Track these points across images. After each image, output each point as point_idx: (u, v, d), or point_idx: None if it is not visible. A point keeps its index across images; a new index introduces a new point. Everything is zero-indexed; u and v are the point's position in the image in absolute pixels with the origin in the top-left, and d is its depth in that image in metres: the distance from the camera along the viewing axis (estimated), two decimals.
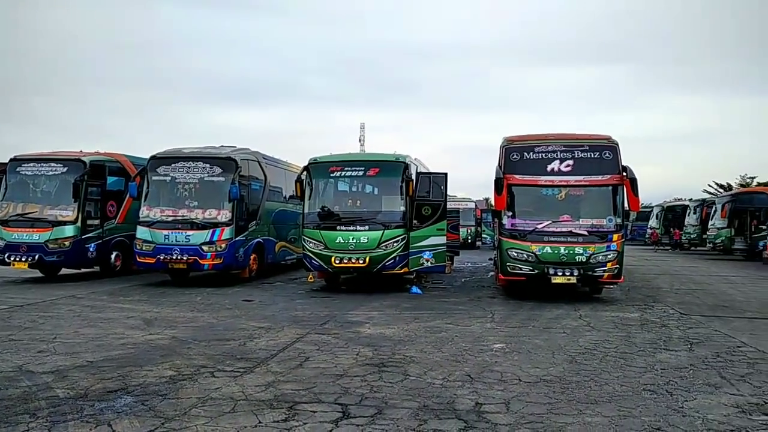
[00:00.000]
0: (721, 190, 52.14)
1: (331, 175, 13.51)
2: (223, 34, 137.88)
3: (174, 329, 8.49)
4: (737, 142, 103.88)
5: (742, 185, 52.54)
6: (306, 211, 13.24)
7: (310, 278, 13.95)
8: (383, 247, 12.46)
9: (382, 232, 12.52)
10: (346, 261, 12.51)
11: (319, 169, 13.36)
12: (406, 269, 12.84)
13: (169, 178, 14.14)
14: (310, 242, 12.83)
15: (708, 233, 29.67)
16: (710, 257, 28.56)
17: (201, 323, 9.04)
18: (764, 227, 24.54)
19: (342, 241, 12.51)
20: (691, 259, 26.86)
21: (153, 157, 14.38)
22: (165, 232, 13.68)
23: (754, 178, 54.93)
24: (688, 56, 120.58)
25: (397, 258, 12.59)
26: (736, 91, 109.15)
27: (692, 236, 32.70)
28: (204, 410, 4.82)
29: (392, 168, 13.13)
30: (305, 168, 13.36)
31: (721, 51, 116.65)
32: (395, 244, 12.53)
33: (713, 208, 29.58)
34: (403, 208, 12.83)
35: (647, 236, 40.72)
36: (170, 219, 13.89)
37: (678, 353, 7.04)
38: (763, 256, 23.93)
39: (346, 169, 13.44)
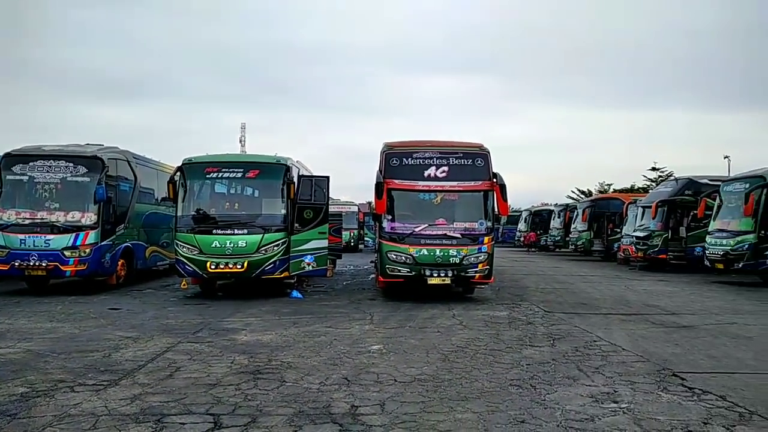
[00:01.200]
0: (583, 196, 56.45)
1: (208, 176, 13.02)
2: (95, 26, 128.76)
3: (29, 342, 7.79)
4: (597, 152, 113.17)
5: (600, 192, 57.21)
6: (179, 214, 12.67)
7: (184, 285, 13.36)
8: (263, 251, 12.21)
9: (261, 235, 12.27)
10: (222, 266, 12.12)
11: (194, 169, 12.84)
12: (286, 273, 12.68)
13: (27, 177, 12.98)
14: (184, 247, 12.28)
15: (570, 236, 32.11)
16: (572, 258, 30.83)
17: (61, 334, 8.36)
18: (619, 230, 26.84)
19: (218, 245, 12.10)
20: (555, 260, 28.81)
21: (7, 155, 13.12)
22: (21, 236, 12.54)
23: (611, 185, 60.07)
24: (555, 70, 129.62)
25: (278, 262, 12.39)
26: (596, 105, 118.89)
27: (556, 239, 35.19)
28: (60, 429, 4.46)
29: (273, 170, 12.91)
30: (179, 168, 12.79)
31: (582, 66, 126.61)
32: (275, 248, 12.33)
33: (575, 213, 32.07)
34: (283, 212, 12.66)
35: (518, 238, 43.20)
36: (27, 222, 12.75)
37: (542, 349, 7.51)
38: (618, 257, 26.20)
39: (223, 170, 13.03)
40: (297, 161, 14.17)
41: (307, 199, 12.91)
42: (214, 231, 12.28)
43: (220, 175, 13.05)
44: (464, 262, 11.76)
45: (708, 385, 5.78)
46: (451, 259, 11.74)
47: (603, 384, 5.78)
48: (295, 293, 12.76)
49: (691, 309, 11.43)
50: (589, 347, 7.58)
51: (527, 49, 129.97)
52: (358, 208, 36.89)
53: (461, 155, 12.21)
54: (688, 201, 21.51)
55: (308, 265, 12.88)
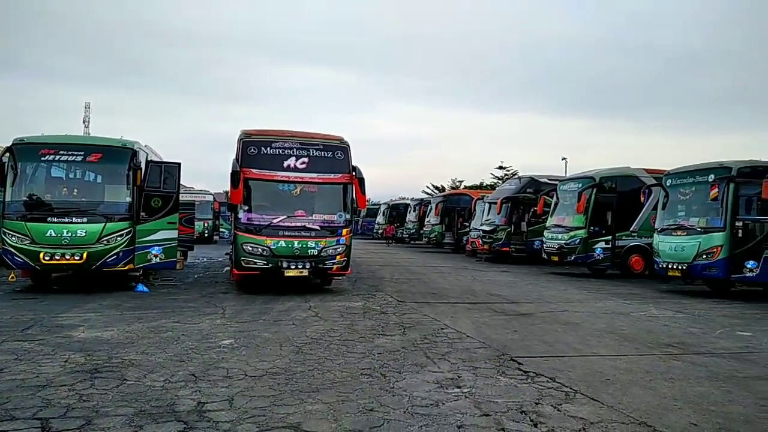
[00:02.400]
0: (437, 191, 59.12)
1: (43, 158, 11.79)
2: None
3: None
4: (452, 149, 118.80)
5: (452, 187, 60.23)
6: (8, 199, 11.37)
7: (12, 277, 12.05)
8: (104, 242, 11.34)
9: (103, 225, 11.39)
10: (58, 257, 11.08)
11: (26, 151, 11.59)
12: (131, 266, 11.88)
13: None
14: (13, 236, 11.05)
15: (424, 229, 33.47)
16: (425, 250, 32.13)
17: None
18: (468, 224, 28.40)
19: (54, 234, 11.04)
20: (410, 252, 29.83)
21: None
22: None
23: (462, 181, 63.52)
24: (415, 68, 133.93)
25: (121, 254, 11.58)
26: (452, 104, 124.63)
27: (411, 231, 36.50)
28: None
29: (117, 154, 12.00)
30: (8, 149, 11.48)
31: (441, 67, 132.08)
32: (119, 238, 11.51)
33: (429, 207, 33.46)
34: (129, 199, 11.84)
35: (376, 231, 44.19)
36: None
37: (393, 338, 7.73)
38: (467, 249, 27.73)
39: (61, 152, 11.86)
40: (146, 146, 13.32)
41: (155, 187, 12.18)
42: (49, 219, 11.18)
43: (57, 158, 11.86)
44: (322, 254, 11.79)
45: (541, 368, 6.28)
46: (309, 251, 11.70)
47: (448, 370, 6.07)
48: (141, 287, 12.02)
49: (529, 298, 12.38)
50: (436, 335, 7.93)
51: (392, 47, 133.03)
52: (214, 198, 35.56)
53: (321, 147, 12.20)
54: (529, 198, 23.28)
55: (155, 257, 12.17)
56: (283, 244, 11.58)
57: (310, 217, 11.95)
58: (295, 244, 11.60)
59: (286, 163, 11.88)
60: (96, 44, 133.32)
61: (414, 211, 37.08)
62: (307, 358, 6.48)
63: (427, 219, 33.55)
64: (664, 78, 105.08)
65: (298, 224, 11.79)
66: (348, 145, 12.34)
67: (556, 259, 19.03)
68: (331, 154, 12.17)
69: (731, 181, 13.21)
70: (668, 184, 15.14)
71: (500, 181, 50.51)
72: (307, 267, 11.69)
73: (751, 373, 6.36)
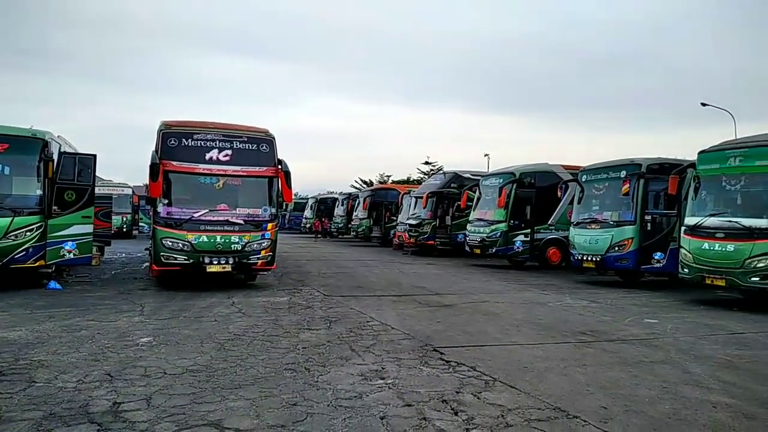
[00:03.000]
0: (365, 186, 59.27)
1: None
2: None
3: None
4: (380, 144, 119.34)
5: (380, 182, 60.56)
6: None
7: None
8: (12, 237, 10.69)
9: (11, 219, 10.73)
10: None
11: None
12: (42, 262, 11.24)
13: None
14: None
15: (352, 223, 33.53)
16: (353, 244, 32.20)
17: None
18: (395, 218, 28.66)
19: None
20: (338, 246, 29.81)
21: None
22: None
23: (390, 176, 64.00)
24: (345, 62, 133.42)
25: (31, 249, 10.95)
26: (380, 99, 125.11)
27: (339, 225, 36.47)
28: None
29: (27, 145, 11.29)
30: None
31: (371, 61, 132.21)
32: (28, 233, 10.88)
33: (357, 201, 33.52)
34: (39, 192, 11.20)
35: (304, 225, 43.83)
36: None
37: (318, 332, 7.72)
38: (394, 243, 27.99)
39: None
40: (58, 136, 12.62)
41: (68, 179, 11.58)
42: None
43: None
44: (246, 249, 11.58)
45: (462, 357, 6.45)
46: (232, 245, 11.47)
47: (372, 362, 6.13)
48: (53, 284, 11.42)
49: (453, 289, 12.66)
50: (362, 328, 7.98)
51: (320, 40, 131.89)
52: (133, 191, 34.18)
53: (246, 140, 11.95)
54: (453, 193, 23.75)
55: (69, 252, 11.58)
56: (205, 239, 11.29)
57: (233, 211, 11.70)
58: (218, 239, 11.35)
59: (208, 156, 11.57)
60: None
61: (342, 205, 37.04)
62: (229, 355, 6.37)
63: (355, 213, 33.61)
64: (579, 78, 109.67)
65: (221, 218, 11.53)
66: (273, 138, 12.16)
67: (478, 251, 19.54)
68: (255, 147, 11.95)
69: (641, 177, 14.00)
70: (583, 180, 15.84)
71: (426, 176, 51.30)
72: (231, 262, 11.46)
73: (656, 358, 6.77)
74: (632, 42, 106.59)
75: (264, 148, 11.99)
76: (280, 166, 11.93)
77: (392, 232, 28.98)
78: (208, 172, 11.61)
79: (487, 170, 28.42)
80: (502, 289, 13.10)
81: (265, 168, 11.92)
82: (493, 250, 18.86)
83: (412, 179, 58.92)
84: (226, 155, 11.69)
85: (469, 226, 20.43)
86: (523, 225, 18.63)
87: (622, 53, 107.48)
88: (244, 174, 11.84)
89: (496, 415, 4.57)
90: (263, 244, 11.74)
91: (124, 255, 20.00)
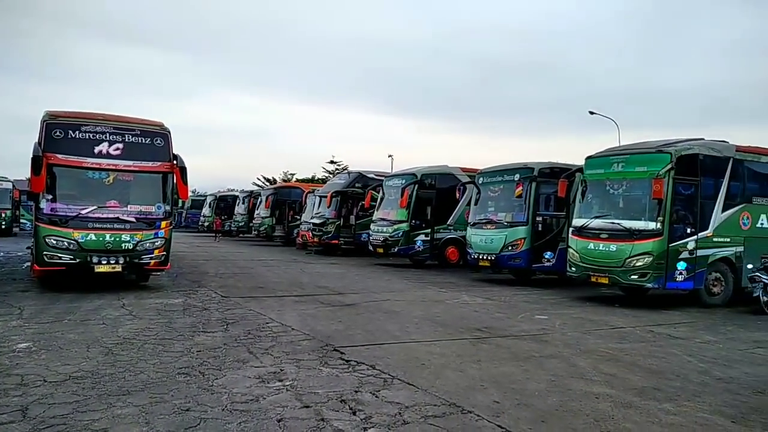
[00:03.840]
0: (268, 184, 58.25)
1: None
2: None
3: None
4: (284, 142, 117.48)
5: (284, 180, 59.73)
6: None
7: None
8: None
9: None
10: None
11: None
12: None
13: None
14: None
15: (254, 221, 32.79)
16: (255, 243, 31.54)
17: None
18: (299, 217, 28.35)
19: None
20: (238, 246, 29.07)
21: None
22: None
23: (294, 174, 63.24)
24: (249, 57, 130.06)
25: None
26: (285, 96, 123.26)
27: (240, 224, 35.56)
28: None
29: None
30: None
31: (276, 57, 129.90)
32: None
33: (259, 199, 32.82)
34: None
35: (202, 223, 42.34)
36: None
37: (215, 334, 7.47)
38: (297, 242, 27.70)
39: None
40: None
41: None
42: None
43: None
44: (138, 248, 11.03)
45: (362, 356, 6.47)
46: (123, 244, 10.88)
47: (271, 364, 6.01)
48: None
49: (355, 289, 12.70)
50: (261, 329, 7.82)
51: (222, 31, 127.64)
52: (13, 185, 31.57)
53: (139, 133, 11.35)
54: (357, 192, 23.85)
55: None
56: (93, 238, 10.64)
57: (124, 208, 11.09)
58: (107, 238, 10.72)
59: (97, 149, 10.89)
60: None
61: (243, 203, 36.10)
62: (117, 360, 6.03)
63: (257, 212, 32.86)
64: (479, 83, 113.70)
65: (111, 216, 10.89)
66: (169, 132, 11.63)
67: (381, 250, 19.75)
68: (149, 141, 11.38)
69: (533, 180, 14.70)
70: (480, 182, 16.42)
71: (332, 175, 51.15)
72: (121, 262, 10.87)
73: (545, 353, 7.13)
74: (527, 51, 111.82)
75: (158, 142, 11.45)
76: (175, 161, 11.44)
77: (295, 231, 28.65)
78: (97, 166, 10.93)
79: (391, 171, 28.79)
80: (403, 288, 13.30)
81: (159, 163, 11.38)
82: (396, 250, 19.12)
83: (316, 178, 58.48)
84: (117, 149, 11.06)
85: (372, 226, 20.59)
86: (423, 225, 19.02)
87: (517, 62, 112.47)
88: (137, 169, 11.25)
89: (393, 413, 4.62)
90: (156, 243, 11.21)
91: (2, 254, 18.45)
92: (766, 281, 11.05)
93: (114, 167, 11.02)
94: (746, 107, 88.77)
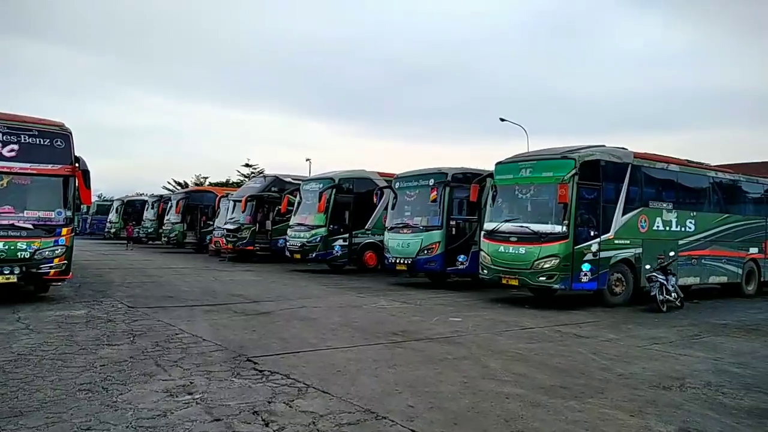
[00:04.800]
0: (179, 187, 56.27)
1: None
2: None
3: None
4: (197, 144, 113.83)
5: (196, 184, 57.94)
6: None
7: None
8: None
9: None
10: None
11: None
12: None
13: None
14: None
15: (164, 227, 31.51)
16: (165, 250, 30.35)
17: None
18: (212, 223, 27.57)
19: None
20: (147, 253, 27.90)
21: None
22: None
23: (207, 178, 61.47)
24: (157, 56, 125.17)
25: None
26: (194, 97, 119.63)
27: (149, 230, 34.11)
28: None
29: None
30: None
31: (186, 57, 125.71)
32: None
33: (169, 204, 31.58)
34: None
35: (108, 229, 40.29)
36: None
37: (120, 347, 7.11)
38: (210, 249, 26.91)
39: None
40: None
41: None
42: None
43: None
44: (36, 257, 10.33)
45: (277, 366, 6.35)
46: (19, 253, 10.16)
47: (180, 377, 5.78)
48: None
49: (270, 296, 12.49)
50: (170, 341, 7.51)
51: (130, 29, 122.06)
52: None
53: (36, 133, 10.64)
54: (274, 197, 23.48)
55: None
56: None
57: (20, 214, 10.35)
58: (0, 246, 9.98)
59: None
60: None
61: (152, 208, 34.66)
62: (10, 378, 5.60)
63: (167, 217, 31.61)
64: (394, 89, 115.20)
65: (5, 222, 10.14)
66: (70, 133, 10.97)
67: (298, 256, 19.54)
68: (48, 142, 10.70)
69: (447, 185, 15.02)
70: (396, 187, 16.61)
71: (247, 179, 50.07)
72: (17, 272, 10.13)
73: (458, 355, 7.27)
74: (441, 58, 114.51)
75: (58, 143, 10.78)
76: (77, 164, 10.81)
77: (208, 237, 27.84)
78: None
79: (309, 175, 28.55)
80: (320, 294, 13.20)
81: (59, 166, 10.72)
82: (313, 255, 18.97)
83: (231, 182, 57.08)
84: (12, 150, 10.32)
85: (289, 231, 20.34)
86: (341, 230, 19.01)
87: (432, 68, 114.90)
88: (34, 172, 10.54)
89: (307, 423, 4.55)
90: (56, 251, 10.54)
91: None
92: (662, 281, 11.83)
93: (8, 170, 10.28)
94: (647, 115, 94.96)
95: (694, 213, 14.07)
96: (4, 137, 10.30)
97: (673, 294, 12.03)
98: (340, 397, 5.27)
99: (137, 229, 35.56)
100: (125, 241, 34.59)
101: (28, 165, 10.45)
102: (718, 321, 10.97)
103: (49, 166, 10.65)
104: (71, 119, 11.21)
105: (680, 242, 13.44)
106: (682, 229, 13.64)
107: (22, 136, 10.47)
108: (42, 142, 10.66)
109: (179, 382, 5.59)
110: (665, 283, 11.88)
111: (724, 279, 14.88)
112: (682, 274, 13.24)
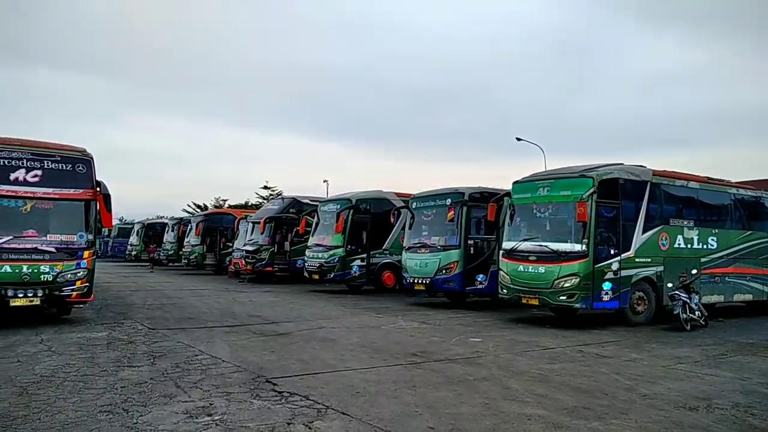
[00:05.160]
0: (198, 210, 56.83)
1: None
2: None
3: None
4: (215, 168, 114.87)
5: (216, 206, 58.48)
6: None
7: None
8: None
9: None
10: None
11: None
12: None
13: None
14: None
15: (184, 250, 31.77)
16: (185, 272, 30.56)
17: None
18: (231, 244, 27.74)
19: None
20: (168, 275, 28.10)
21: None
22: None
23: (227, 200, 62.04)
24: (174, 80, 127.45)
25: None
26: (214, 121, 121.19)
27: (170, 253, 34.40)
28: None
29: None
30: None
31: (202, 81, 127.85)
32: None
33: (189, 226, 31.87)
34: None
35: (130, 252, 40.70)
36: None
37: (140, 369, 7.14)
38: (229, 271, 27.05)
39: None
40: None
41: None
42: None
43: None
44: (59, 280, 10.46)
45: (296, 387, 6.33)
46: (42, 276, 10.30)
47: (200, 398, 5.79)
48: None
49: (289, 317, 12.49)
50: (190, 362, 7.53)
51: (149, 55, 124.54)
52: None
53: (59, 159, 10.86)
54: (292, 218, 23.59)
55: None
56: (9, 269, 10.01)
57: (43, 238, 10.53)
58: (24, 269, 10.12)
59: (13, 176, 10.33)
60: None
61: (172, 230, 34.96)
62: (33, 400, 5.65)
63: (186, 239, 31.88)
64: (411, 111, 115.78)
65: (29, 246, 10.30)
66: (91, 158, 11.17)
67: (317, 277, 19.55)
68: (70, 167, 10.90)
69: (464, 204, 14.99)
70: (413, 207, 16.61)
71: (265, 201, 50.42)
72: (40, 295, 10.27)
73: (479, 376, 7.19)
74: (457, 80, 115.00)
75: (80, 168, 10.98)
76: (98, 188, 10.99)
77: (228, 259, 27.99)
78: (12, 194, 10.34)
79: (326, 196, 28.68)
80: (338, 314, 13.18)
81: (81, 190, 10.90)
82: (332, 276, 18.97)
83: (250, 204, 57.53)
84: (36, 176, 10.53)
85: (307, 252, 20.38)
86: (359, 250, 19.00)
87: (448, 91, 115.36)
88: (57, 197, 10.73)
89: None
90: (78, 274, 10.67)
91: None
92: (684, 299, 11.63)
93: (32, 195, 10.48)
94: (665, 133, 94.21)
95: (716, 230, 13.85)
96: (28, 163, 10.52)
97: (696, 312, 11.80)
98: (359, 418, 5.23)
99: (158, 252, 35.90)
100: (148, 263, 34.98)
101: (51, 190, 10.64)
102: (744, 340, 10.74)
103: (71, 191, 10.84)
104: (92, 144, 11.38)
105: (702, 260, 13.22)
106: (704, 246, 13.43)
107: (46, 162, 10.68)
108: (64, 168, 10.86)
109: (199, 404, 5.59)
110: (688, 301, 11.68)
111: (749, 297, 14.58)
112: (705, 292, 13.00)
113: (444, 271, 14.94)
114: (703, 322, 11.89)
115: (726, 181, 15.29)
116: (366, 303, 15.85)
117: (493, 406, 5.77)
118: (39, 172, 10.55)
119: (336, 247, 18.92)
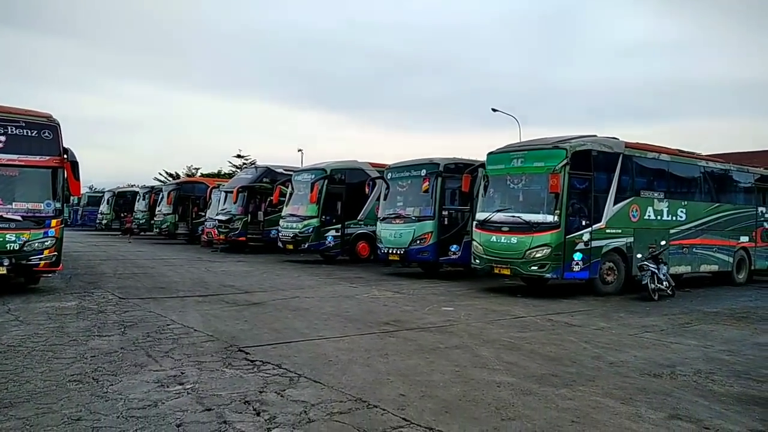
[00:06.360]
0: (170, 179, 55.96)
1: None
2: None
3: None
4: (187, 135, 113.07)
5: (188, 175, 57.63)
6: None
7: None
8: None
9: None
10: None
11: None
12: None
13: None
14: None
15: (156, 219, 31.37)
16: (157, 242, 30.20)
17: None
18: (203, 214, 27.44)
19: None
20: (139, 244, 27.74)
21: None
22: None
23: (199, 169, 61.15)
24: (143, 45, 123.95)
25: None
26: (185, 86, 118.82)
27: (141, 222, 33.94)
28: None
29: None
30: None
31: (173, 46, 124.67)
32: None
33: (160, 195, 31.42)
34: None
35: (100, 221, 40.06)
36: None
37: (111, 338, 7.07)
38: (202, 240, 26.81)
39: None
40: None
41: None
42: None
43: None
44: (26, 249, 10.26)
45: (268, 356, 6.34)
46: (8, 245, 10.08)
47: (171, 367, 5.76)
48: None
49: (263, 287, 12.46)
50: (161, 331, 7.49)
51: (118, 19, 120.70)
52: None
53: (24, 125, 10.53)
54: (265, 188, 23.38)
55: None
56: None
57: (9, 206, 10.28)
58: None
59: None
60: None
61: (144, 199, 34.44)
62: (0, 370, 5.56)
63: (158, 208, 31.45)
64: (384, 79, 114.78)
65: None
66: (58, 124, 10.86)
67: (291, 247, 19.50)
68: (36, 134, 10.59)
69: (439, 175, 15.01)
70: (388, 177, 16.58)
71: (239, 170, 49.81)
72: (6, 264, 10.06)
73: (450, 344, 7.28)
74: (432, 49, 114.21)
75: (46, 134, 10.67)
76: (65, 156, 10.72)
77: (200, 228, 27.74)
78: None
79: (301, 165, 28.45)
80: (312, 284, 13.19)
81: (47, 157, 10.62)
82: (306, 246, 18.93)
83: (223, 173, 56.78)
84: (0, 142, 10.23)
85: (281, 222, 20.28)
86: (334, 220, 18.97)
87: (423, 59, 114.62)
88: (22, 164, 10.44)
89: (298, 412, 4.55)
90: (46, 243, 10.47)
91: None
92: (653, 269, 11.88)
93: None
94: (639, 105, 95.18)
95: (685, 202, 14.12)
96: None
97: (664, 283, 12.08)
98: (331, 386, 5.27)
99: (134, 221, 35.21)
100: (123, 233, 34.33)
101: (15, 156, 10.35)
102: (709, 309, 11.04)
103: (37, 158, 10.56)
104: (60, 111, 11.07)
105: (671, 231, 13.50)
106: (674, 218, 13.70)
107: (9, 127, 10.36)
108: (29, 134, 10.55)
109: (170, 373, 5.57)
110: (656, 272, 11.94)
111: (715, 267, 14.97)
112: (673, 262, 13.31)
113: (418, 242, 15.02)
114: (671, 292, 12.19)
115: (696, 154, 15.54)
116: (340, 273, 15.88)
117: (463, 374, 5.85)
118: (2, 138, 10.23)
119: (310, 218, 18.85)
